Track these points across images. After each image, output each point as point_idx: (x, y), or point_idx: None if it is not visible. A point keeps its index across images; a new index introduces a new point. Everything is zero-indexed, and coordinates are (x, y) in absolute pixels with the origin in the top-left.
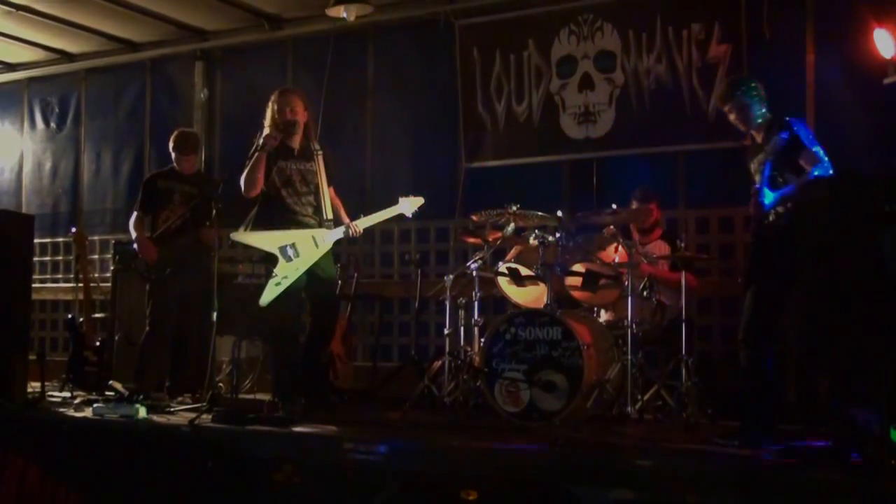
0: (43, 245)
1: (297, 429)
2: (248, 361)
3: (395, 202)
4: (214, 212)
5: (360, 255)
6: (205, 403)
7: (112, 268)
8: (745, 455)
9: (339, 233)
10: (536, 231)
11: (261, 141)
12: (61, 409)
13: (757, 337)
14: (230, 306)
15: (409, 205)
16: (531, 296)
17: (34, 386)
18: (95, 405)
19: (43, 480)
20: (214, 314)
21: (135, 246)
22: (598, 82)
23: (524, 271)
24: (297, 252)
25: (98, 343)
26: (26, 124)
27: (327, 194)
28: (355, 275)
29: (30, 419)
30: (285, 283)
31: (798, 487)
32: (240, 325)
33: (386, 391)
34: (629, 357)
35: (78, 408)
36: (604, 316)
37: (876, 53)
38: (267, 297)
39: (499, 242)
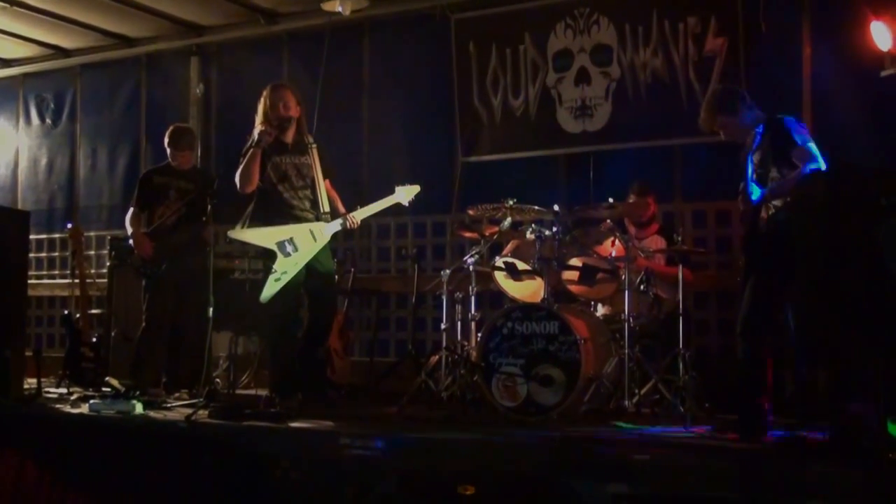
0: (39, 241)
1: (295, 424)
2: (244, 357)
3: (391, 193)
4: (210, 207)
5: (357, 250)
6: (202, 399)
7: (108, 264)
8: (743, 448)
9: (336, 225)
10: (533, 225)
11: (255, 137)
12: (58, 406)
13: (755, 330)
14: (227, 302)
15: (405, 193)
16: (528, 290)
17: (31, 382)
18: (92, 401)
19: (39, 477)
20: (211, 310)
21: (130, 242)
22: (595, 76)
23: (521, 266)
24: (295, 247)
25: (94, 339)
26: (21, 120)
27: (323, 188)
28: (352, 270)
29: (26, 415)
30: (285, 279)
31: (796, 480)
32: (236, 321)
33: (383, 386)
34: (626, 351)
35: (74, 404)
36: (601, 310)
37: (872, 46)
38: (267, 292)
39: (495, 237)
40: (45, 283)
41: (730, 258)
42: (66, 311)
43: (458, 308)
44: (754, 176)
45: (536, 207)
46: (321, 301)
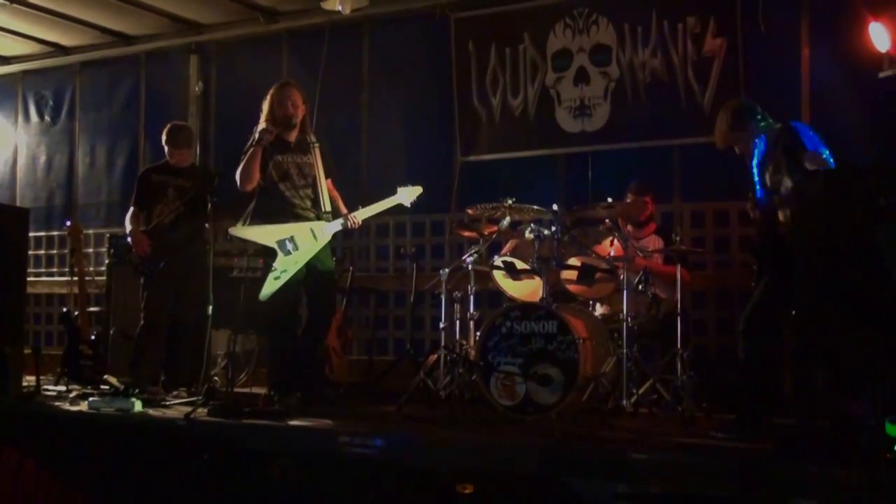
0: (38, 238)
1: (293, 422)
2: (243, 355)
3: (392, 193)
4: (210, 206)
5: (356, 249)
6: (200, 397)
7: (107, 261)
8: (742, 448)
9: (337, 225)
10: (532, 225)
11: (256, 135)
12: (57, 403)
13: (757, 330)
14: (226, 300)
15: (407, 195)
16: (527, 289)
17: (29, 380)
18: (91, 399)
19: (38, 474)
20: (210, 308)
21: (129, 240)
22: (594, 76)
23: (520, 265)
24: (295, 245)
25: (93, 337)
26: (20, 117)
27: (325, 187)
28: (351, 268)
29: (25, 413)
30: (284, 277)
31: (794, 480)
32: (235, 319)
33: (382, 385)
34: (624, 350)
35: (73, 401)
36: (599, 309)
37: (871, 47)
38: (267, 290)
39: (494, 236)
40: (44, 280)
41: (728, 258)
42: (64, 309)
43: (457, 307)
44: (768, 183)
45: (535, 207)
46: (320, 300)
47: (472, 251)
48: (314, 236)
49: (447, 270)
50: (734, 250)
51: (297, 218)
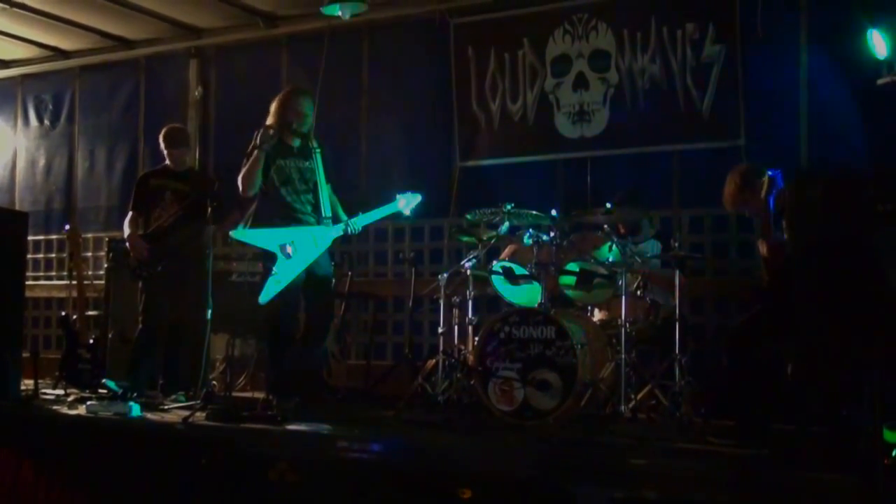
0: (36, 242)
1: (292, 427)
2: (241, 359)
3: (390, 199)
4: (209, 210)
5: (355, 253)
6: (199, 401)
7: (106, 265)
8: (740, 454)
9: (338, 230)
10: (531, 230)
11: (258, 139)
12: (55, 407)
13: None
14: (224, 304)
15: (406, 202)
16: (525, 295)
17: (28, 383)
18: (89, 403)
19: (37, 478)
20: (209, 312)
21: (127, 244)
22: (593, 81)
23: (518, 270)
24: (296, 250)
25: (91, 341)
26: (20, 121)
27: (326, 192)
28: (349, 273)
29: (24, 417)
30: (284, 282)
31: (792, 487)
32: (234, 323)
33: (380, 389)
34: (623, 356)
35: (72, 405)
36: (597, 315)
37: (869, 54)
38: (266, 295)
39: (493, 241)
40: (43, 284)
41: (726, 264)
42: (63, 313)
43: (455, 312)
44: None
45: (534, 212)
46: (319, 304)
47: (471, 256)
48: (315, 241)
49: (446, 275)
50: (733, 256)
51: (298, 222)
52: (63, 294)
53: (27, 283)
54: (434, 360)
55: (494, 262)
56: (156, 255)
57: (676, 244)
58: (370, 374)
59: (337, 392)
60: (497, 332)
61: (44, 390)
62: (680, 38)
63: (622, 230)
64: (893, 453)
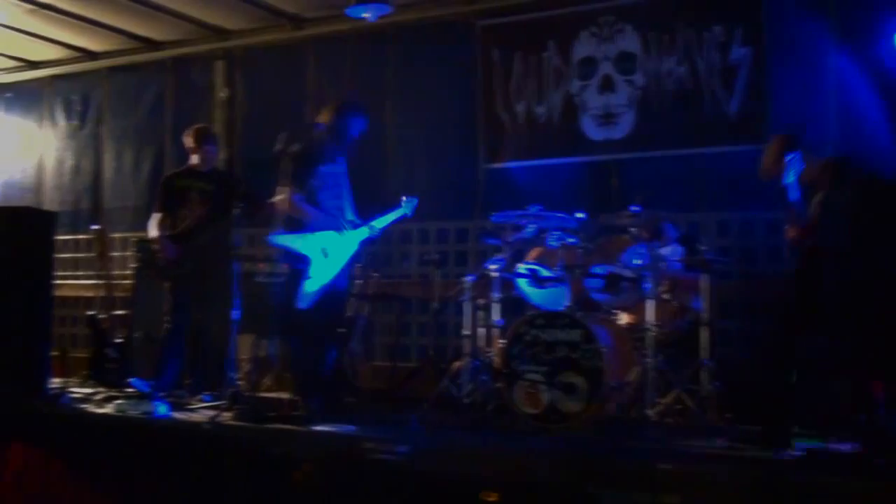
0: (65, 242)
1: (317, 428)
2: (267, 360)
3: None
4: (234, 210)
5: (380, 255)
6: (225, 401)
7: (133, 265)
8: (767, 459)
9: (364, 233)
10: (556, 233)
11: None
12: (83, 405)
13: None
14: (250, 305)
15: (409, 204)
16: (551, 298)
17: (56, 381)
18: (117, 402)
19: (65, 474)
20: (235, 312)
21: (154, 245)
22: (619, 84)
23: (544, 273)
24: (330, 253)
25: (119, 340)
26: (49, 122)
27: (350, 196)
28: (374, 274)
29: (52, 414)
30: (318, 284)
31: (820, 493)
32: (259, 324)
33: (405, 391)
34: (649, 360)
35: (99, 404)
36: (624, 318)
37: None
38: (304, 298)
39: (518, 244)
40: (71, 283)
41: (753, 268)
42: (91, 312)
43: (481, 314)
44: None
45: (560, 215)
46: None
47: (497, 258)
48: (346, 244)
49: (471, 277)
50: (761, 260)
51: (332, 226)
52: (91, 293)
53: (55, 282)
54: (459, 363)
55: (520, 265)
56: (182, 256)
57: (703, 248)
58: (395, 376)
59: (362, 393)
60: (523, 334)
61: (72, 388)
62: (707, 41)
63: (645, 234)
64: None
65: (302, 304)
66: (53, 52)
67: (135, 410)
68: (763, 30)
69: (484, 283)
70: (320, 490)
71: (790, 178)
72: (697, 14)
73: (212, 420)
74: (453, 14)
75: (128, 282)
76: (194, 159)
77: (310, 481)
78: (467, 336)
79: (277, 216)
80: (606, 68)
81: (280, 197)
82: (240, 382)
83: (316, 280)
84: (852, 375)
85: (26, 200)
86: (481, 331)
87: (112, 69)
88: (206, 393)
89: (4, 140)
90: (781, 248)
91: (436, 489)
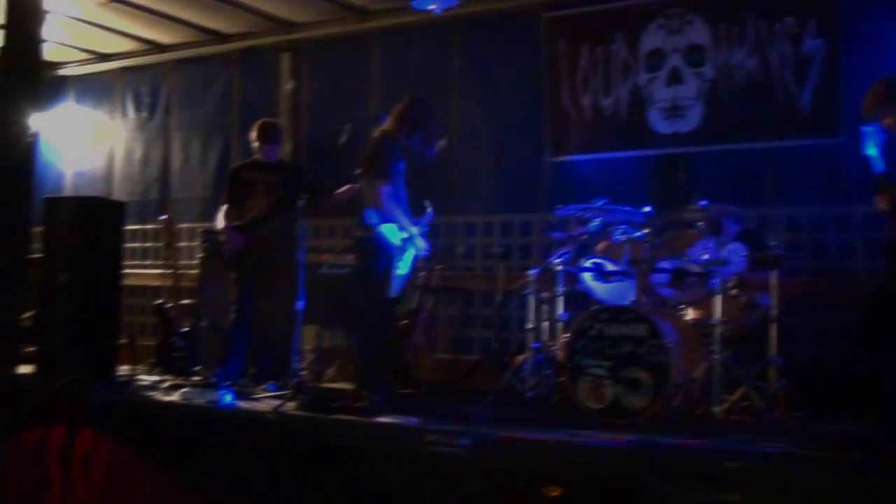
0: (133, 232)
1: (380, 419)
2: (330, 350)
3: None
4: (301, 202)
5: (444, 247)
6: (289, 391)
7: (199, 255)
8: (840, 460)
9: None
10: (622, 226)
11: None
12: (150, 393)
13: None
14: (314, 295)
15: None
16: (616, 292)
17: (124, 369)
18: (183, 390)
19: (132, 461)
20: (300, 303)
21: (221, 236)
22: (687, 76)
23: (610, 267)
24: (412, 244)
25: (185, 329)
26: (119, 113)
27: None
28: (438, 267)
29: (120, 402)
30: (403, 274)
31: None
32: (323, 315)
33: (468, 384)
34: (716, 356)
35: (166, 391)
36: (690, 314)
37: None
38: (394, 287)
39: (584, 238)
40: (139, 272)
41: (824, 264)
42: (158, 301)
43: (545, 308)
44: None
45: (626, 208)
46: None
47: (561, 252)
48: (419, 236)
49: (536, 271)
50: (831, 256)
51: (409, 218)
52: (158, 283)
53: (124, 271)
54: (523, 356)
55: (585, 259)
56: (248, 247)
57: (773, 243)
58: (457, 369)
59: (424, 385)
60: (587, 329)
61: (139, 376)
62: (778, 32)
63: (708, 230)
64: None
65: (391, 293)
66: (124, 45)
67: (200, 399)
68: (837, 21)
69: (548, 276)
70: (381, 481)
71: (871, 149)
72: (769, 5)
73: (276, 410)
74: (519, 6)
75: (194, 272)
76: (259, 153)
77: (371, 472)
78: (531, 330)
79: (367, 205)
80: (675, 60)
81: (346, 188)
82: (303, 373)
83: (402, 269)
84: None
85: (97, 191)
86: (545, 325)
87: (180, 61)
88: (271, 382)
89: (76, 131)
90: (851, 245)
91: (498, 483)
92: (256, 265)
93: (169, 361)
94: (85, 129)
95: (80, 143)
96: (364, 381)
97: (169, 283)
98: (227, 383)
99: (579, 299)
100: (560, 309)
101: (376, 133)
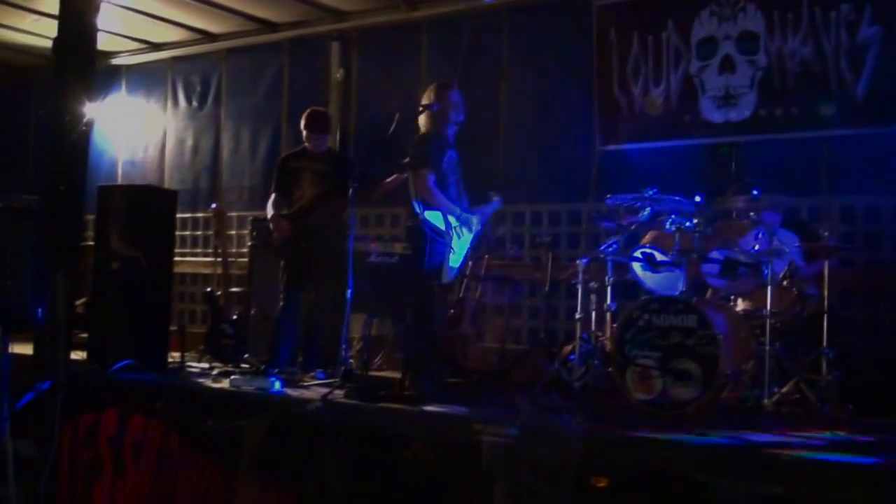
0: (184, 220)
1: (428, 408)
2: (378, 339)
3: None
4: (350, 191)
5: (492, 237)
6: (337, 379)
7: (249, 244)
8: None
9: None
10: (673, 216)
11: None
12: (200, 380)
13: None
14: (362, 284)
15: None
16: (666, 282)
17: (175, 355)
18: (232, 377)
19: (182, 446)
20: (349, 291)
21: (270, 224)
22: (740, 64)
23: (659, 257)
24: (464, 233)
25: (235, 317)
26: (170, 102)
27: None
28: (486, 256)
29: (170, 387)
30: (455, 263)
31: None
32: (371, 304)
33: (514, 374)
34: (767, 348)
35: (216, 378)
36: (741, 305)
37: None
38: (447, 273)
39: (633, 227)
40: (190, 260)
41: (877, 255)
42: (208, 289)
43: (593, 298)
44: None
45: (676, 198)
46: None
47: (610, 242)
48: (471, 225)
49: (585, 260)
50: (886, 247)
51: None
52: (208, 270)
53: (175, 259)
54: (571, 346)
55: (635, 248)
56: (297, 235)
57: (826, 233)
58: (505, 358)
59: (472, 374)
60: (636, 319)
61: (189, 363)
62: (834, 20)
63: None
64: None
65: (443, 280)
66: (175, 34)
67: (249, 386)
68: (895, 7)
69: (597, 266)
70: (429, 470)
71: None
72: None
73: (324, 397)
74: None
75: (244, 260)
76: (308, 141)
77: (419, 460)
78: (579, 319)
79: (414, 194)
80: (727, 48)
81: (395, 177)
82: (352, 361)
83: (455, 257)
84: None
85: (149, 179)
86: (593, 314)
87: (230, 50)
88: (319, 370)
89: (129, 120)
90: None
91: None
92: (305, 254)
93: (218, 349)
94: (137, 119)
95: (133, 132)
96: (411, 369)
97: (218, 271)
98: (276, 371)
99: (628, 289)
100: (608, 299)
101: (421, 122)
